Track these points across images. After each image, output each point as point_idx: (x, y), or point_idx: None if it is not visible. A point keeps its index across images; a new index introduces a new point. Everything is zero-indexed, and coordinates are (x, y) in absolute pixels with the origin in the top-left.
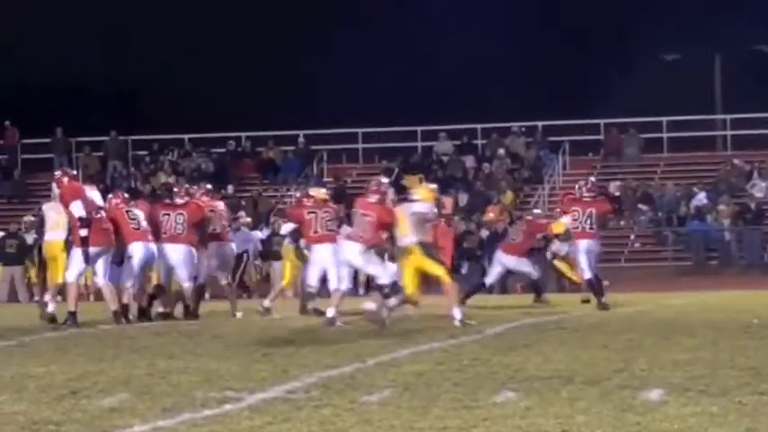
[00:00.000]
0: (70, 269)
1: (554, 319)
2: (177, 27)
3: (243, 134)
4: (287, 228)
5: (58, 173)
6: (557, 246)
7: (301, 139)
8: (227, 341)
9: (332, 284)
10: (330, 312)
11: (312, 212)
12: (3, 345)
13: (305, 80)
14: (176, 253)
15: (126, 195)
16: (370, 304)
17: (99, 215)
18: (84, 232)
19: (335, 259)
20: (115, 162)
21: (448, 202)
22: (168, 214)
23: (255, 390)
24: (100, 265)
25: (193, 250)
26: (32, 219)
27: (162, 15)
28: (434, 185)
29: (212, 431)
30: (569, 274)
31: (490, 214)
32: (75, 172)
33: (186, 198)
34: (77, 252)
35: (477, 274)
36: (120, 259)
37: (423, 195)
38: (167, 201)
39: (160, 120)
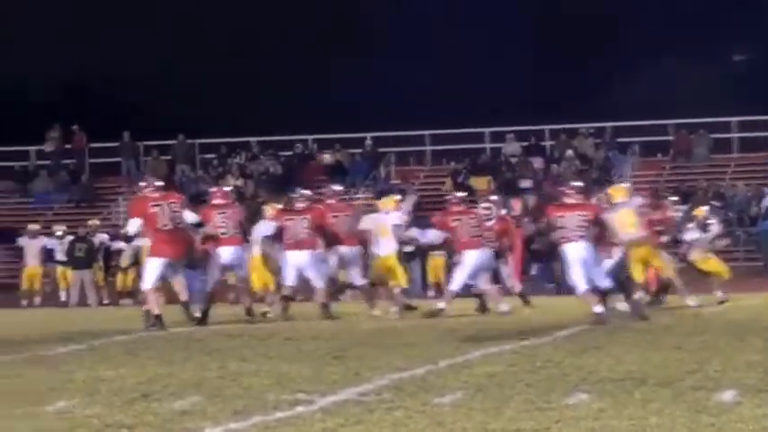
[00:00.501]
0: (146, 278)
1: (625, 321)
2: (241, 31)
3: (310, 137)
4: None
5: (143, 183)
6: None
7: (368, 142)
8: (298, 344)
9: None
10: (504, 307)
11: (458, 220)
12: (74, 348)
13: (372, 81)
14: (301, 258)
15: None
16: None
17: (169, 227)
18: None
19: (480, 264)
20: (183, 166)
21: (516, 204)
22: (292, 219)
23: (327, 392)
24: (153, 273)
25: (319, 253)
26: (97, 222)
27: (243, 19)
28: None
29: None
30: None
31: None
32: (160, 183)
33: (307, 203)
34: (152, 261)
35: (546, 276)
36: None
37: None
38: (290, 206)
39: (227, 123)
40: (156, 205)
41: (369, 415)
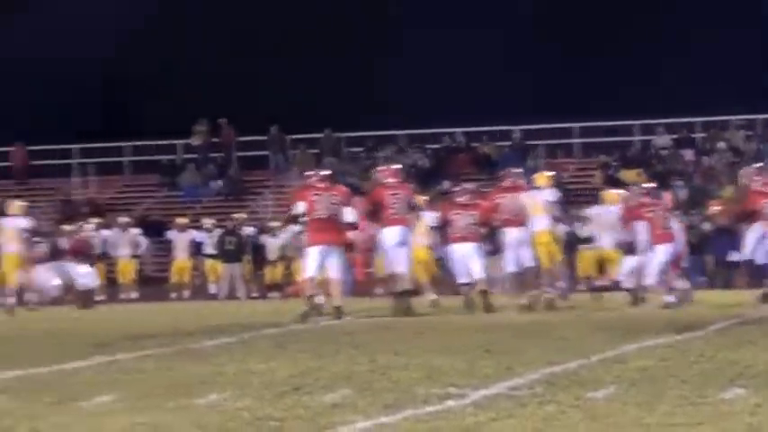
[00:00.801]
0: (307, 267)
1: None
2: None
3: (458, 129)
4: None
5: (310, 173)
6: None
7: (516, 134)
8: (449, 337)
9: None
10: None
11: (651, 212)
12: (224, 341)
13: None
14: (466, 250)
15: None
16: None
17: (324, 215)
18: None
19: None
20: (330, 159)
21: (667, 196)
22: (459, 214)
23: (478, 386)
24: (312, 262)
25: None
26: (244, 215)
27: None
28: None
29: (435, 427)
30: None
31: (716, 208)
32: (327, 172)
33: (471, 197)
34: (310, 251)
35: (699, 269)
36: None
37: None
38: (458, 201)
39: (373, 116)
40: (317, 194)
41: (521, 409)
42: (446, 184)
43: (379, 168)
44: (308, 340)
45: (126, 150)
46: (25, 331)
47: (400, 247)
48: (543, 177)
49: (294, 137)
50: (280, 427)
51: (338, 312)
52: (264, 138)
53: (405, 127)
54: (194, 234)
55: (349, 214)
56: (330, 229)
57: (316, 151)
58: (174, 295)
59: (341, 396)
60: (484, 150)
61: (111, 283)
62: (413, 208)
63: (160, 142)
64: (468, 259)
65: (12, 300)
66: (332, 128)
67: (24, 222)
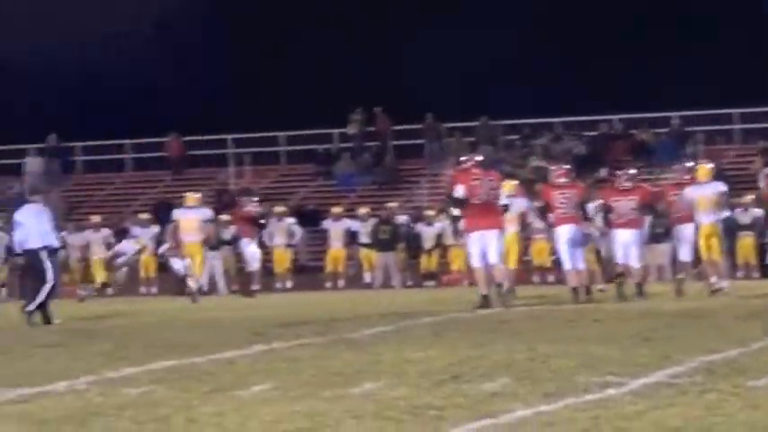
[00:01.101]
0: (471, 255)
1: None
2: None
3: (615, 116)
4: None
5: (464, 158)
6: None
7: (675, 121)
8: (606, 326)
9: None
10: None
11: None
12: (380, 330)
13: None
14: (627, 236)
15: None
16: None
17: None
18: (455, 212)
19: None
20: (485, 147)
21: None
22: (619, 200)
23: (638, 374)
24: (475, 249)
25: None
26: (396, 204)
27: None
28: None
29: (595, 416)
30: None
31: None
32: (481, 158)
33: (633, 183)
34: (470, 238)
35: None
36: None
37: None
38: (619, 187)
39: (529, 104)
40: (476, 179)
41: (681, 397)
42: (603, 172)
43: (551, 168)
44: (465, 329)
45: (281, 140)
46: (184, 321)
47: (573, 246)
48: (705, 170)
49: (450, 125)
50: (439, 416)
51: (503, 299)
52: (420, 126)
53: (561, 114)
54: (349, 223)
55: (504, 198)
56: (489, 213)
57: (471, 139)
58: (328, 284)
59: (500, 384)
60: (641, 137)
61: (267, 273)
62: (580, 205)
63: (316, 131)
64: (627, 246)
65: (194, 286)
66: (488, 116)
67: (203, 213)
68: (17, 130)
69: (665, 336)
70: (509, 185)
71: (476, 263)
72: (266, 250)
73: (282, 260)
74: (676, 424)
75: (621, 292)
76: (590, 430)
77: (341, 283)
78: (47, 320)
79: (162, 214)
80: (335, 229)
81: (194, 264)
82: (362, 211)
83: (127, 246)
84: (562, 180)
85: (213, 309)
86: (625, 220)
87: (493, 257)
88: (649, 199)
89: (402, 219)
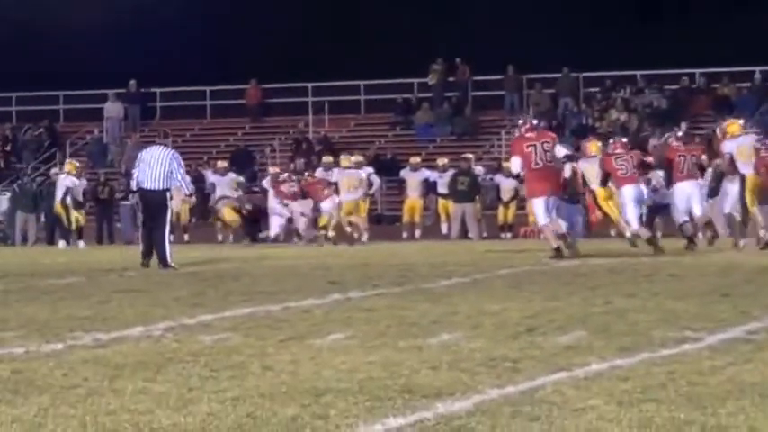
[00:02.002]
0: (538, 216)
1: None
2: None
3: (697, 70)
4: None
5: (520, 121)
6: None
7: (757, 76)
8: (683, 280)
9: None
10: None
11: None
12: (457, 282)
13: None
14: (689, 189)
15: (623, 141)
16: None
17: (540, 165)
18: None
19: None
20: (566, 99)
21: None
22: (683, 155)
23: (715, 330)
24: (540, 210)
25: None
26: (470, 156)
27: None
28: None
29: (672, 371)
30: None
31: None
32: (535, 121)
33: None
34: (534, 202)
35: None
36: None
37: None
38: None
39: (612, 56)
40: (530, 145)
41: (759, 353)
42: (683, 126)
43: (610, 142)
44: (542, 282)
45: (361, 89)
46: (260, 268)
47: (635, 203)
48: (736, 125)
49: (530, 76)
50: (514, 368)
51: (556, 254)
52: (500, 77)
53: (643, 67)
54: (427, 173)
55: (561, 151)
56: (547, 178)
57: (552, 91)
58: (405, 234)
59: (575, 338)
60: (723, 92)
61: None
62: (640, 166)
63: (395, 81)
64: (690, 199)
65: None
66: (569, 68)
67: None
68: (97, 76)
69: (744, 291)
70: (594, 146)
71: (542, 221)
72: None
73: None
74: (753, 380)
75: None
76: (666, 385)
77: (417, 233)
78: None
79: (239, 161)
80: (413, 179)
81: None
82: (441, 161)
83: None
84: (618, 151)
85: (290, 257)
86: (686, 174)
87: (542, 219)
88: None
89: (480, 170)
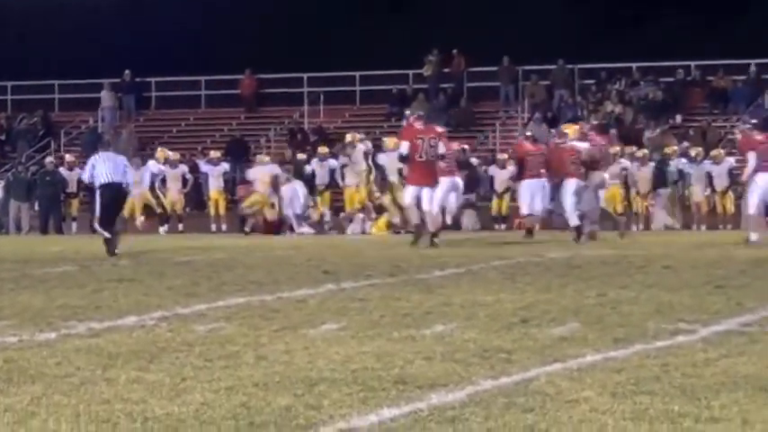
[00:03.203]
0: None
1: None
2: None
3: (692, 63)
4: None
5: (408, 112)
6: None
7: (752, 69)
8: (677, 272)
9: None
10: None
11: None
12: (451, 272)
13: (748, 7)
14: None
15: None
16: None
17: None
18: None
19: None
20: (561, 91)
21: None
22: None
23: (709, 322)
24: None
25: None
26: (466, 147)
27: None
28: None
29: (666, 363)
30: None
31: None
32: (421, 113)
33: None
34: (407, 189)
35: None
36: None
37: None
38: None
39: (608, 48)
40: (420, 138)
41: (752, 346)
42: (678, 118)
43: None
44: (535, 273)
45: (356, 79)
46: (254, 258)
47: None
48: None
49: (526, 68)
50: (508, 359)
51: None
52: (496, 69)
53: (638, 59)
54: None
55: (443, 147)
56: (427, 171)
57: (547, 83)
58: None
59: (569, 329)
60: (719, 84)
61: (338, 213)
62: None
63: (391, 72)
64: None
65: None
66: (564, 59)
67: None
68: (92, 66)
69: (738, 284)
70: (572, 129)
71: (407, 202)
72: (337, 190)
73: (355, 200)
74: (747, 372)
75: None
76: (659, 377)
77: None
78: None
79: (234, 152)
80: None
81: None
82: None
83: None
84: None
85: (283, 247)
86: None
87: (426, 206)
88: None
89: (475, 161)
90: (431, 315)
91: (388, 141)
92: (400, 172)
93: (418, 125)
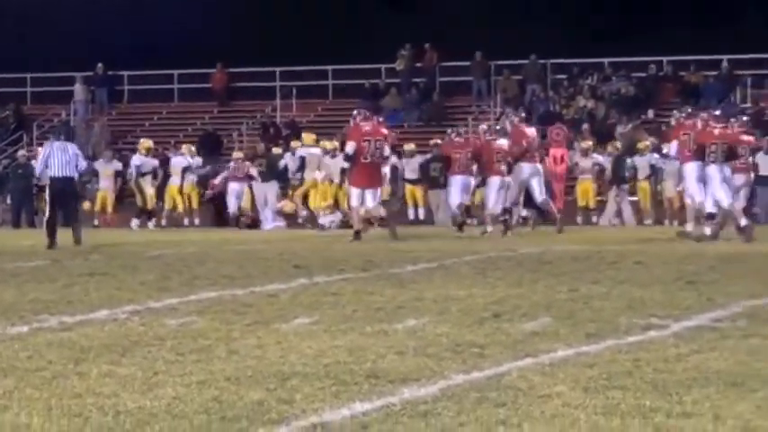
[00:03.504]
0: (352, 198)
1: None
2: None
3: (664, 58)
4: None
5: (355, 112)
6: None
7: (724, 64)
8: (649, 267)
9: None
10: None
11: None
12: (423, 267)
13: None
14: None
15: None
16: None
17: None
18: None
19: None
20: (534, 86)
21: None
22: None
23: (680, 317)
24: (355, 195)
25: None
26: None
27: None
28: None
29: (637, 358)
30: None
31: None
32: (367, 113)
33: None
34: (351, 189)
35: None
36: None
37: None
38: None
39: (580, 43)
40: (366, 140)
41: (723, 341)
42: (650, 113)
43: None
44: (507, 268)
45: (329, 73)
46: (227, 252)
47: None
48: None
49: (498, 63)
50: (480, 354)
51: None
52: (468, 63)
53: (610, 54)
54: (393, 159)
55: (388, 149)
56: (372, 173)
57: (519, 78)
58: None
59: (541, 324)
60: (690, 80)
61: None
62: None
63: (363, 66)
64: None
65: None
66: (536, 54)
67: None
68: (65, 59)
69: (709, 279)
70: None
71: (354, 203)
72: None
73: (328, 196)
74: (718, 367)
75: None
76: (631, 372)
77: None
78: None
79: (207, 145)
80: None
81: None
82: (407, 147)
83: None
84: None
85: (255, 241)
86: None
87: (369, 203)
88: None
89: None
90: (403, 309)
91: (305, 137)
92: (343, 172)
93: (366, 126)
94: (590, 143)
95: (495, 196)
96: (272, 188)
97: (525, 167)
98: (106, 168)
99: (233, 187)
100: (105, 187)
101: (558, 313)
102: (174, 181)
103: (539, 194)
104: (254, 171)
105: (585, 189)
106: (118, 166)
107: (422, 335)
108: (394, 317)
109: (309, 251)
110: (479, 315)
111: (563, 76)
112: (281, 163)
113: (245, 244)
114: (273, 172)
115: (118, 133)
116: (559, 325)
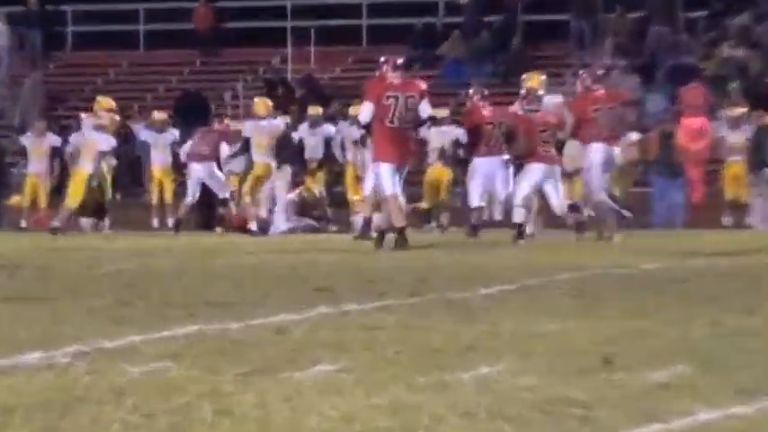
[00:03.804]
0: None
1: None
2: None
3: None
4: None
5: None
6: None
7: None
8: None
9: None
10: None
11: None
12: (499, 289)
13: None
14: None
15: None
16: None
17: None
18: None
19: None
20: (659, 27)
21: None
22: None
23: None
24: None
25: None
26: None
27: None
28: None
29: None
30: None
31: None
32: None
33: None
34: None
35: None
36: None
37: None
38: None
39: None
40: (392, 96)
41: None
42: None
43: None
44: (620, 291)
45: (363, 9)
46: (215, 266)
47: None
48: None
49: None
50: (583, 417)
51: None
52: None
53: None
54: (456, 132)
55: (427, 109)
56: (402, 141)
57: (638, 15)
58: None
59: (672, 373)
60: None
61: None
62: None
63: None
64: None
65: None
66: None
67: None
68: None
69: None
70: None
71: (389, 191)
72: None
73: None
74: None
75: None
76: None
77: (443, 217)
78: None
79: (187, 112)
80: (436, 139)
81: None
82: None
83: None
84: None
85: (257, 250)
86: None
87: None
88: None
89: None
90: (471, 352)
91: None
92: (355, 144)
93: (393, 78)
94: (742, 110)
95: (528, 190)
96: (282, 176)
97: (537, 168)
98: (38, 145)
99: (194, 168)
100: (37, 172)
101: (695, 357)
102: (85, 166)
103: (556, 201)
104: (225, 147)
105: (736, 174)
106: (55, 141)
107: (497, 388)
108: (457, 362)
109: (336, 266)
110: (581, 360)
111: (702, 13)
112: (294, 137)
113: (241, 254)
114: (286, 152)
115: (57, 94)
116: (698, 375)
